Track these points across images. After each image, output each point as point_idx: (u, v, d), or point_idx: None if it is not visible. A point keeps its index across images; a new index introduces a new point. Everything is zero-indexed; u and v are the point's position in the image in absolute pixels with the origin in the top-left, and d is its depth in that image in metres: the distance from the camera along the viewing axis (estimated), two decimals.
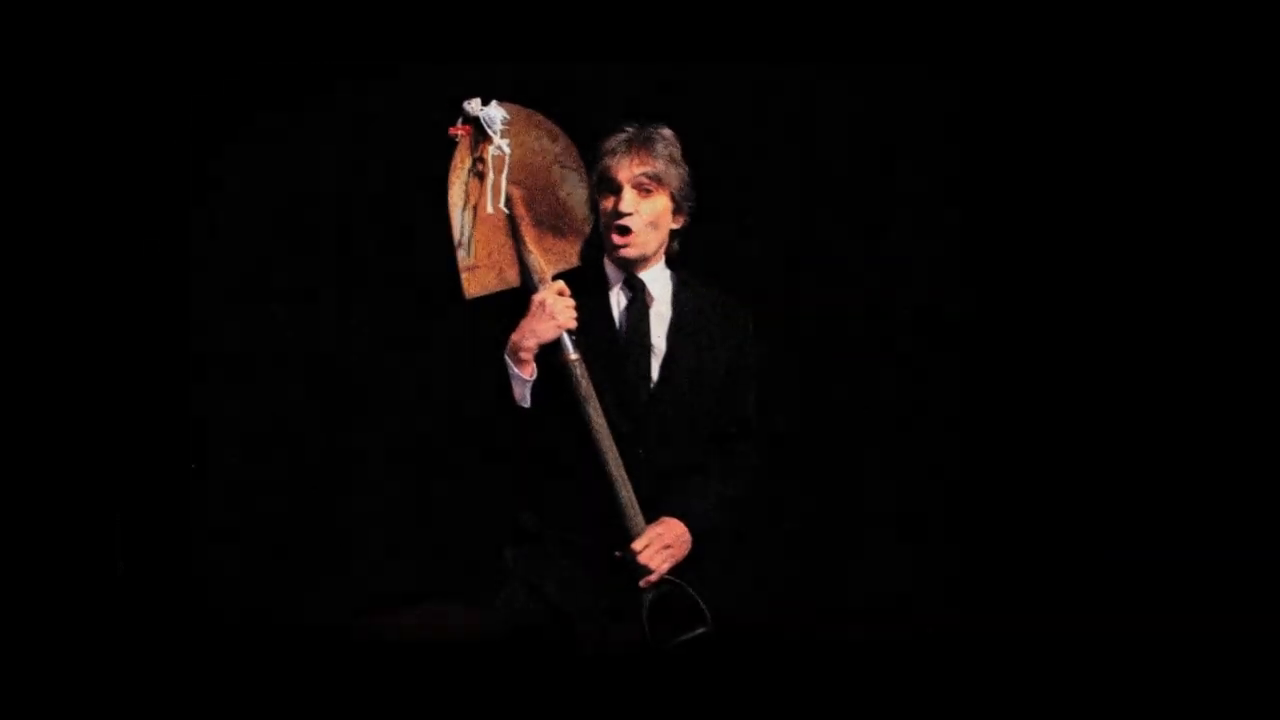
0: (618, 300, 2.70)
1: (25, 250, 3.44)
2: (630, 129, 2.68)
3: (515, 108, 2.65)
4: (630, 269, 2.69)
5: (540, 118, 2.68)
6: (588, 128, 2.73)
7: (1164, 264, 3.37)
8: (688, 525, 2.64)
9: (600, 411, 2.58)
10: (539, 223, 2.67)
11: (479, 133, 2.63)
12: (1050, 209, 3.42)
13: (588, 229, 2.69)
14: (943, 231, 3.51)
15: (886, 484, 3.52)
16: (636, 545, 2.57)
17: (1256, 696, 3.14)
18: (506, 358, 2.57)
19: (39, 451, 3.46)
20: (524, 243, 2.64)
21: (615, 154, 2.65)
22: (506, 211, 2.63)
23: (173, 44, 3.43)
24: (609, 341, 2.67)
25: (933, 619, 3.42)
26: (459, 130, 2.62)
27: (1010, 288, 3.47)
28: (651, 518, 2.61)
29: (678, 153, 2.69)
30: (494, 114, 2.62)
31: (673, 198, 2.67)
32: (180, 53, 3.44)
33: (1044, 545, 3.41)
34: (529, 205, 2.65)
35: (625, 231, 2.63)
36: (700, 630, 2.57)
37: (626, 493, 2.58)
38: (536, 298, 2.57)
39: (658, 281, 2.72)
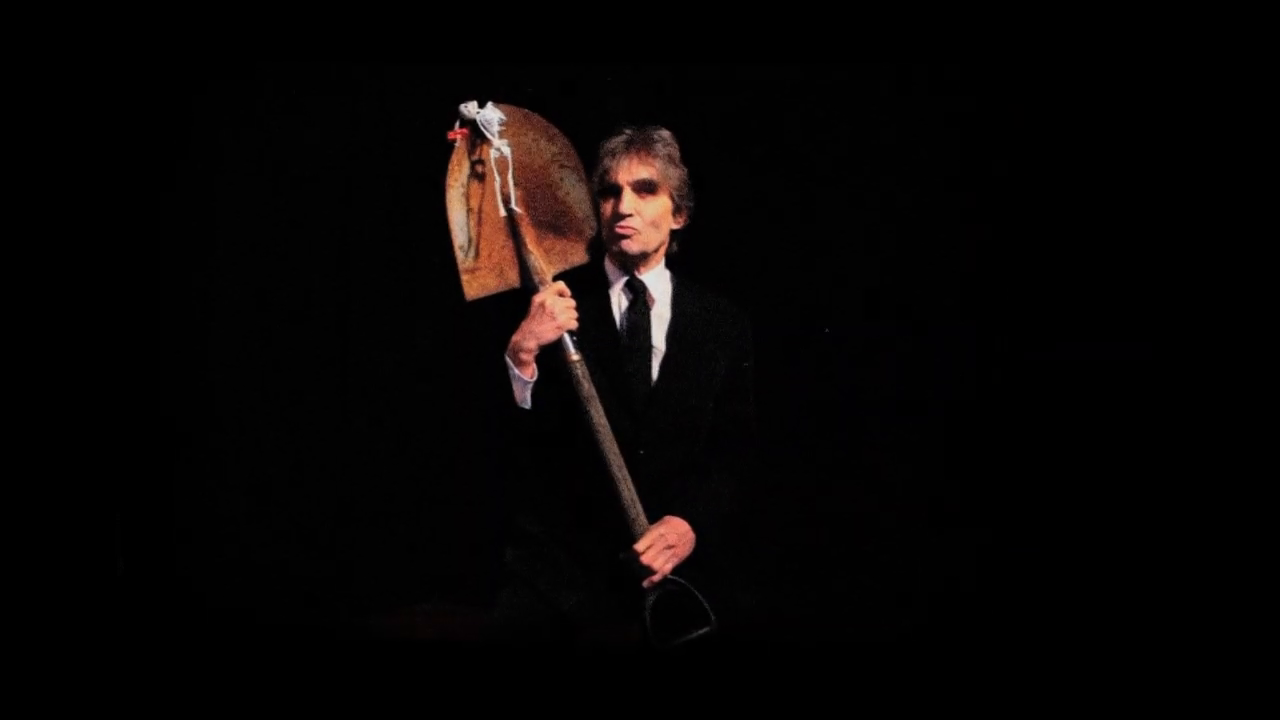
0: (619, 301, 2.71)
1: (25, 251, 3.44)
2: (629, 131, 2.69)
3: (512, 109, 2.65)
4: (631, 270, 2.70)
5: (537, 118, 2.68)
6: (587, 129, 2.74)
7: (1161, 262, 3.37)
8: (690, 524, 2.65)
9: (601, 412, 2.58)
10: (539, 223, 2.67)
11: (476, 135, 2.63)
12: (1050, 208, 3.41)
13: (588, 228, 2.69)
14: (941, 231, 3.51)
15: (885, 484, 3.52)
16: (639, 545, 2.58)
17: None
18: (507, 359, 2.57)
19: (38, 451, 3.45)
20: (524, 243, 2.65)
21: (615, 156, 2.66)
22: (519, 211, 2.63)
23: (172, 43, 3.42)
24: (610, 342, 2.68)
25: (932, 619, 3.42)
26: (456, 133, 2.63)
27: (1009, 286, 3.47)
28: (654, 517, 2.61)
29: (677, 154, 2.70)
30: (491, 116, 2.62)
31: (672, 198, 2.68)
32: (179, 52, 3.43)
33: (1042, 545, 3.41)
34: (528, 206, 2.66)
35: (627, 231, 2.65)
36: (703, 630, 2.58)
37: (628, 492, 2.59)
38: (537, 299, 2.58)
39: (658, 283, 2.72)
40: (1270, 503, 3.24)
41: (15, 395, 3.42)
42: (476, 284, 2.65)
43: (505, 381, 2.57)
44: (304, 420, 3.60)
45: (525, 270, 2.65)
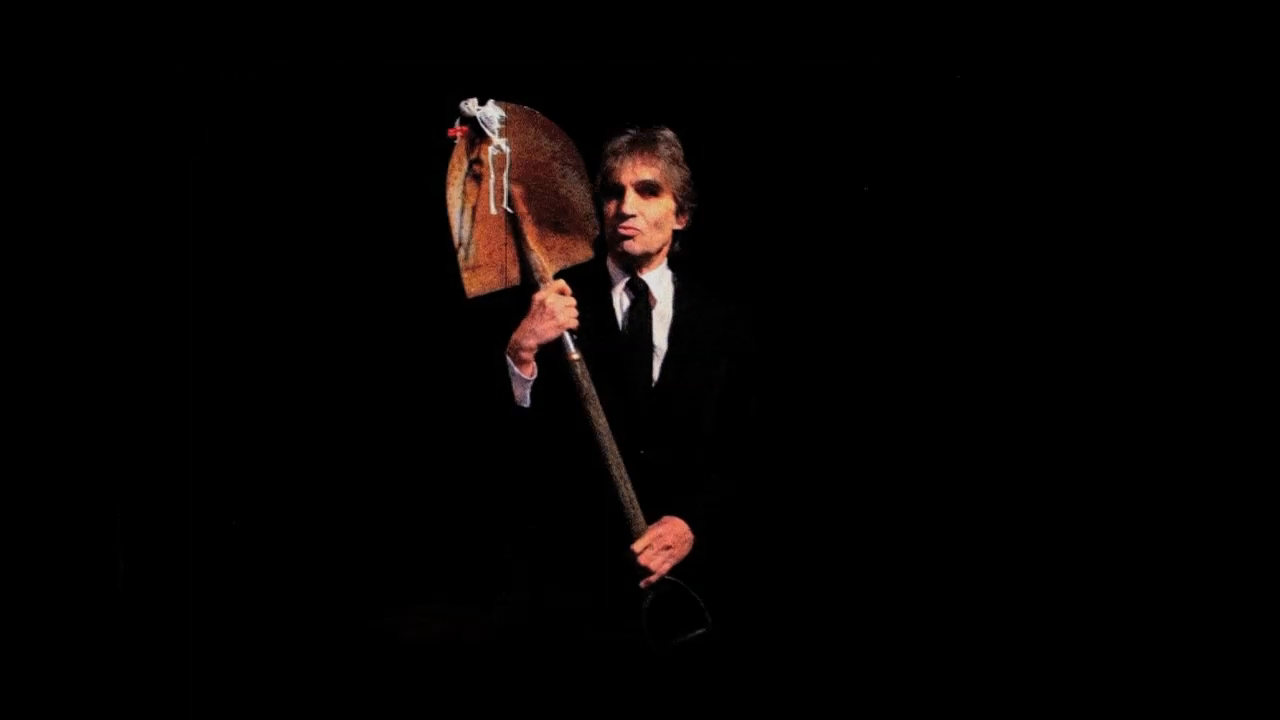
0: (620, 301, 2.71)
1: (24, 250, 3.44)
2: (632, 131, 2.69)
3: (513, 106, 2.65)
4: (633, 270, 2.69)
5: (538, 115, 2.67)
6: (588, 126, 2.73)
7: (1160, 264, 3.36)
8: (689, 525, 2.64)
9: (601, 411, 2.58)
10: (540, 220, 2.67)
11: (476, 132, 2.62)
12: (1050, 207, 3.40)
13: (590, 225, 2.69)
14: (943, 230, 3.50)
15: (886, 483, 3.51)
16: (637, 546, 2.57)
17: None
18: (507, 357, 2.57)
19: (39, 451, 3.45)
20: (525, 241, 2.64)
21: (618, 156, 2.65)
22: (510, 211, 2.63)
23: (169, 43, 3.43)
24: (611, 341, 2.67)
25: (931, 619, 3.42)
26: (456, 131, 2.62)
27: (1007, 284, 3.46)
28: (653, 518, 2.61)
29: (680, 154, 2.69)
30: (491, 113, 2.62)
31: (675, 199, 2.68)
32: (176, 51, 3.43)
33: (1041, 544, 3.40)
34: (529, 203, 2.65)
35: (629, 232, 2.64)
36: (700, 631, 2.57)
37: (627, 492, 2.58)
38: (537, 297, 2.57)
39: (660, 283, 2.72)
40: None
41: (16, 396, 3.42)
42: (477, 282, 2.64)
43: (505, 380, 2.57)
44: (303, 420, 3.59)
45: (526, 268, 2.64)
